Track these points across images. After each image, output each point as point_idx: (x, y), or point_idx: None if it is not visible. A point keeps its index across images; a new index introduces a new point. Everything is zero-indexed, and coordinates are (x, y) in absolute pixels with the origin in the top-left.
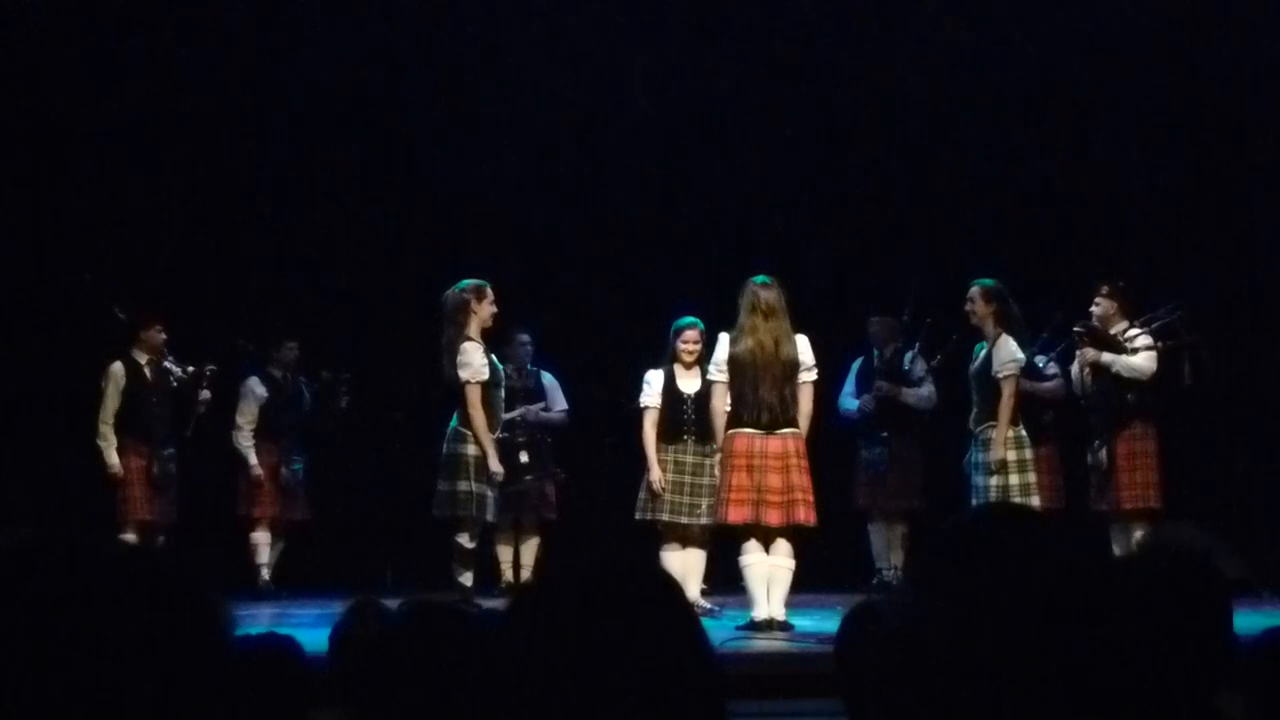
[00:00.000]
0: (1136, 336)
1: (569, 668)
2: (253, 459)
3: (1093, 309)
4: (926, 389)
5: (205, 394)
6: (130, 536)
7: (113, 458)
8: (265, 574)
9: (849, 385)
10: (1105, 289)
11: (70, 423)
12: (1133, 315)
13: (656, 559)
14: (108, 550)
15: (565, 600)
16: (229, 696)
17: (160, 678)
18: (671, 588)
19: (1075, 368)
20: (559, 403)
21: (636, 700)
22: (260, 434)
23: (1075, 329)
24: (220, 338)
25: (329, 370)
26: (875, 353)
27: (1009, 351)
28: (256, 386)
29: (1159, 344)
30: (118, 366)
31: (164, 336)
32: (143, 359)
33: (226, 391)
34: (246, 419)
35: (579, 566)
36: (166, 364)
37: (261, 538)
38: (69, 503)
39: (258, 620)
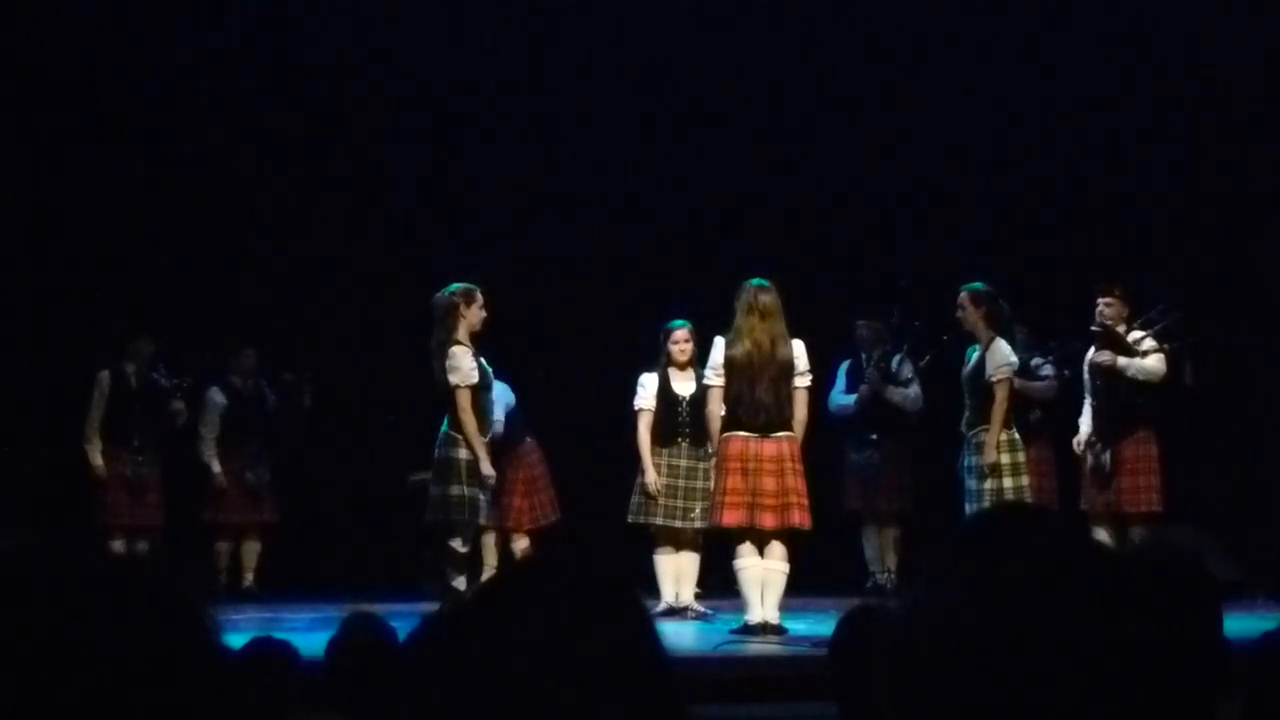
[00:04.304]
0: (1143, 339)
1: (517, 671)
2: (216, 468)
3: (1104, 310)
4: (914, 390)
5: (178, 405)
6: (115, 541)
7: (97, 460)
8: (225, 579)
9: (840, 384)
10: (1117, 291)
11: (63, 428)
12: (1132, 317)
13: (609, 561)
14: (91, 557)
15: (515, 601)
16: (218, 703)
17: (146, 686)
18: (623, 588)
19: (1087, 370)
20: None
21: (590, 705)
22: (225, 442)
23: (1093, 330)
24: (182, 350)
25: (291, 372)
26: (863, 355)
27: (1002, 355)
28: (216, 396)
29: (1164, 346)
30: (105, 375)
31: (152, 348)
32: (130, 368)
33: (190, 403)
34: (209, 429)
35: (528, 568)
36: (154, 375)
37: (223, 546)
38: (58, 506)
39: (245, 625)
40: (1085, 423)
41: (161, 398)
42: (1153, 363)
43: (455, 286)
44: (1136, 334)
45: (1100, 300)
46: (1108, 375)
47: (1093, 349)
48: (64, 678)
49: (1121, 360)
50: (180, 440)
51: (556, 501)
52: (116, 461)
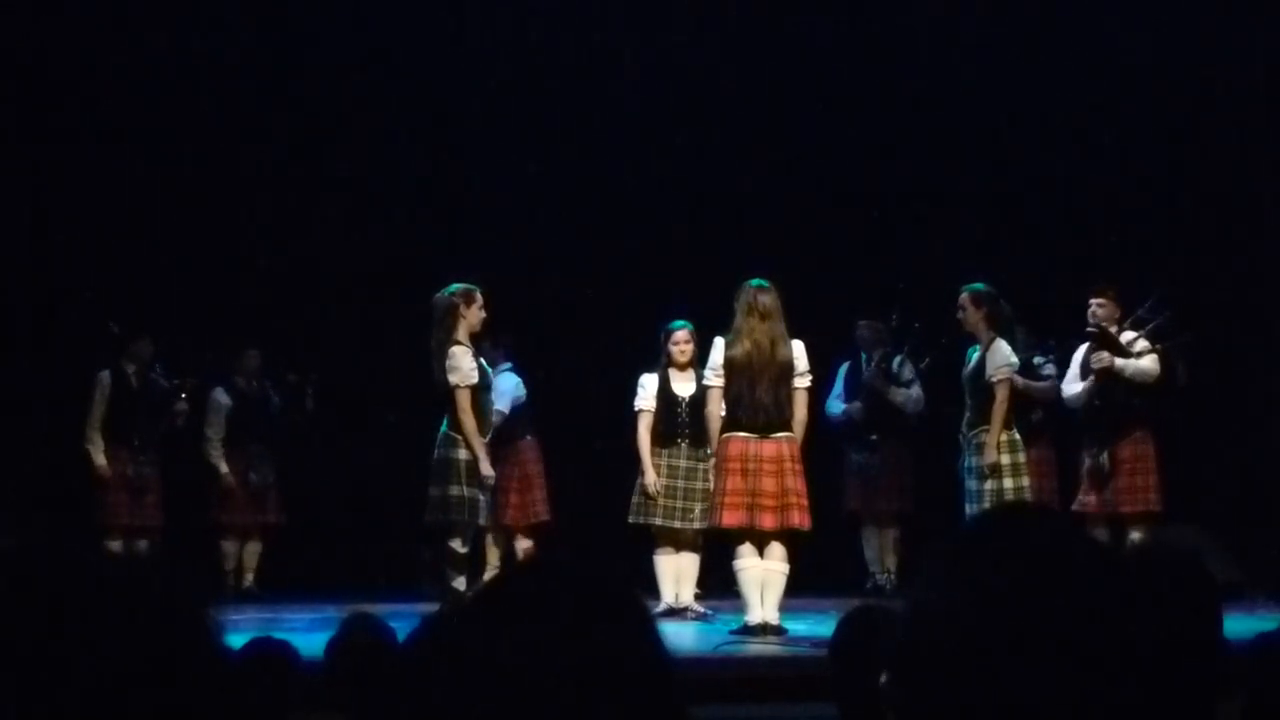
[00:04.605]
0: (1135, 340)
1: (517, 671)
2: (223, 468)
3: (1097, 310)
4: (915, 391)
5: (182, 406)
6: (114, 541)
7: (101, 459)
8: (231, 580)
9: (837, 388)
10: (1110, 291)
11: (60, 428)
12: (1123, 318)
13: (613, 560)
14: (91, 557)
15: (517, 602)
16: (218, 703)
17: (146, 686)
18: (624, 589)
19: (1076, 369)
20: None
21: (591, 706)
22: (229, 442)
23: (1089, 331)
24: (185, 350)
25: (294, 373)
26: (864, 356)
27: (1003, 355)
28: (221, 397)
29: (1157, 346)
30: (105, 375)
31: (152, 349)
32: (130, 369)
33: (194, 404)
34: (214, 430)
35: (532, 568)
36: (153, 375)
37: (229, 547)
38: (57, 506)
39: (245, 625)
40: (1072, 387)
41: (162, 398)
42: (1148, 363)
43: (455, 287)
44: (1129, 334)
45: (1092, 301)
46: (1104, 376)
47: (1085, 348)
48: (64, 678)
49: (1119, 361)
50: (181, 440)
51: (549, 502)
52: (117, 462)
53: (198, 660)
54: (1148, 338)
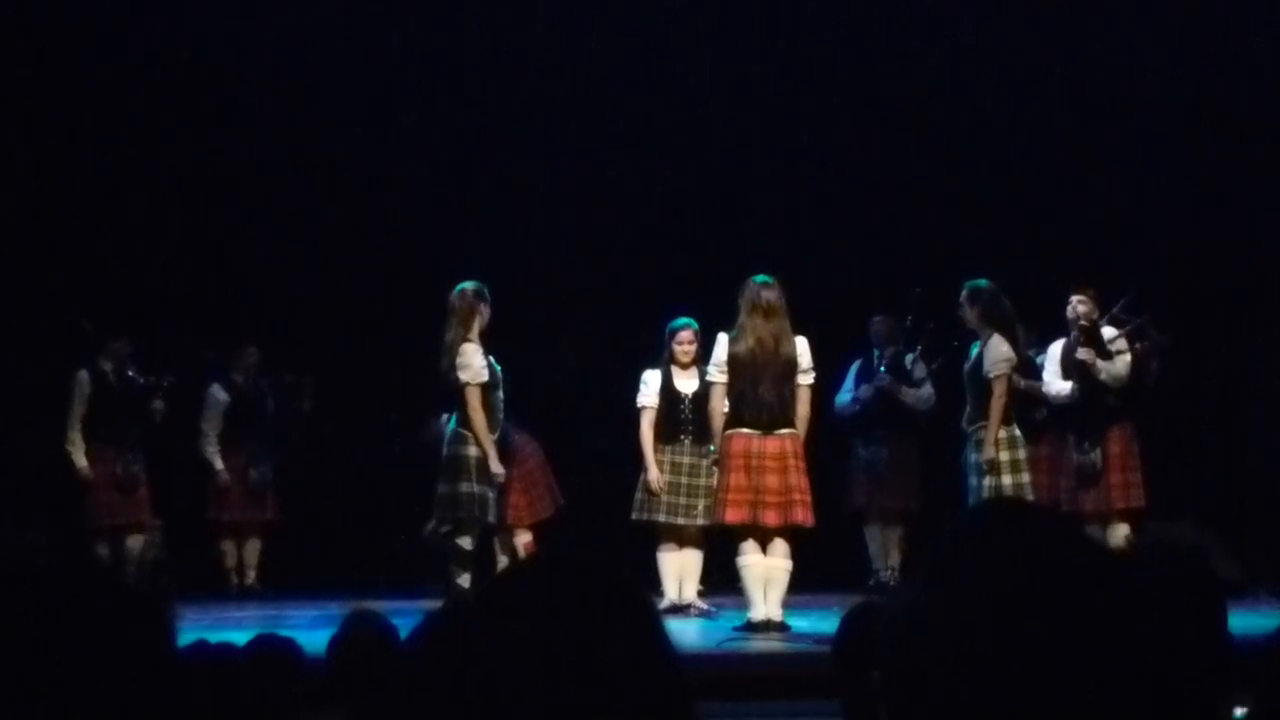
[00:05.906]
0: (1114, 339)
1: (522, 668)
2: (218, 464)
3: (1079, 307)
4: (926, 390)
5: (159, 404)
6: (102, 541)
7: (81, 460)
8: (234, 578)
9: (847, 383)
10: (1091, 290)
11: (39, 428)
12: (1100, 316)
13: (618, 557)
14: (49, 560)
15: (523, 598)
16: (175, 700)
17: (99, 683)
18: (631, 586)
19: (1056, 366)
20: None
21: (598, 702)
22: (226, 439)
23: (1081, 325)
24: (182, 346)
25: (292, 373)
26: (876, 352)
27: (999, 351)
28: (218, 393)
29: (1135, 347)
30: (84, 374)
31: (129, 348)
32: (108, 367)
33: (190, 400)
34: (210, 426)
35: (538, 564)
36: (130, 373)
37: (227, 545)
38: (37, 506)
39: (249, 622)
40: (1057, 384)
41: (140, 396)
42: (1119, 366)
43: (470, 284)
44: (1109, 331)
45: (1074, 298)
46: (1085, 371)
47: (1063, 343)
48: (15, 676)
49: (1099, 363)
50: (172, 437)
51: (557, 490)
52: (102, 461)
53: (154, 661)
54: (1127, 337)
